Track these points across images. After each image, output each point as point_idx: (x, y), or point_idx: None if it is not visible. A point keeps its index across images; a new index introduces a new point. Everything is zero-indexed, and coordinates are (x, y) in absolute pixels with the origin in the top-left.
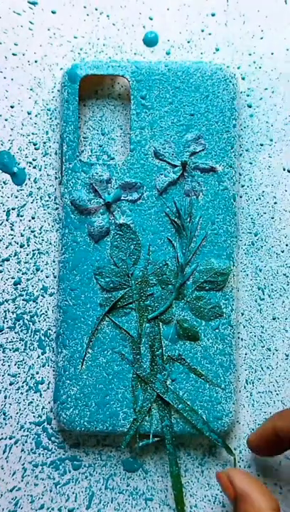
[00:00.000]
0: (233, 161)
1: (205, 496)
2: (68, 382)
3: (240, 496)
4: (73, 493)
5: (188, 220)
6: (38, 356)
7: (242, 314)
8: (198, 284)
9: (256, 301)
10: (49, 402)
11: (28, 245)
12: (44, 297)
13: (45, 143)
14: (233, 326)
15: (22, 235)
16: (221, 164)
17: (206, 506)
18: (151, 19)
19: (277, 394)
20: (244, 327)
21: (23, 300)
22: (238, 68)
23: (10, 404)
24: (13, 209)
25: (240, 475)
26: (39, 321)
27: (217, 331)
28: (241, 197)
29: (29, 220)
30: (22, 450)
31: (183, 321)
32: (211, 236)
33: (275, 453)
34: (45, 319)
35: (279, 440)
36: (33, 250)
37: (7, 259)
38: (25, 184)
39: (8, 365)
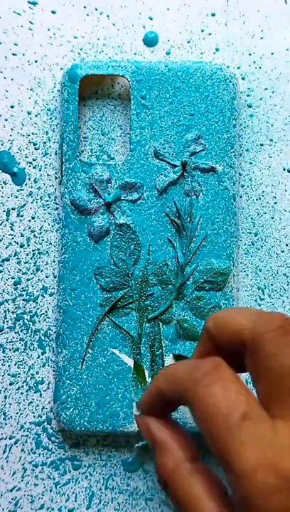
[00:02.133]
0: (233, 161)
1: None
2: (68, 382)
3: (158, 445)
4: (73, 493)
5: (188, 220)
6: (38, 356)
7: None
8: (198, 284)
9: (256, 301)
10: (49, 402)
11: (28, 245)
12: (44, 297)
13: (45, 143)
14: None
15: (22, 235)
16: (221, 164)
17: None
18: (151, 19)
19: None
20: None
21: (23, 300)
22: (238, 68)
23: (10, 404)
24: (13, 209)
25: (157, 423)
26: (39, 321)
27: None
28: (241, 197)
29: (29, 220)
30: (22, 450)
31: (183, 321)
32: (211, 236)
33: (168, 412)
34: (45, 319)
35: (168, 400)
36: (33, 250)
37: (7, 259)
38: (25, 184)
39: (8, 365)
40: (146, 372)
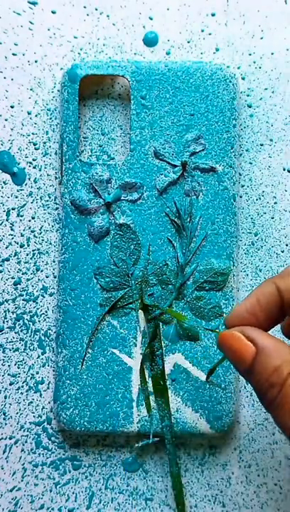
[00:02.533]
0: (233, 161)
1: (205, 496)
2: (68, 382)
3: (264, 350)
4: (73, 493)
5: (188, 220)
6: (38, 356)
7: None
8: (198, 284)
9: None
10: (49, 402)
11: (28, 245)
12: (44, 297)
13: (45, 143)
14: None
15: (22, 235)
16: (221, 164)
17: (206, 506)
18: (151, 19)
19: None
20: None
21: (23, 300)
22: (238, 68)
23: (10, 404)
24: (13, 209)
25: (255, 329)
26: (39, 321)
27: (217, 330)
28: (241, 197)
29: (29, 220)
30: (22, 450)
31: (183, 321)
32: (211, 236)
33: (271, 325)
34: (45, 319)
35: (281, 303)
36: (33, 250)
37: (7, 259)
38: (25, 184)
39: (8, 365)
40: (146, 373)
